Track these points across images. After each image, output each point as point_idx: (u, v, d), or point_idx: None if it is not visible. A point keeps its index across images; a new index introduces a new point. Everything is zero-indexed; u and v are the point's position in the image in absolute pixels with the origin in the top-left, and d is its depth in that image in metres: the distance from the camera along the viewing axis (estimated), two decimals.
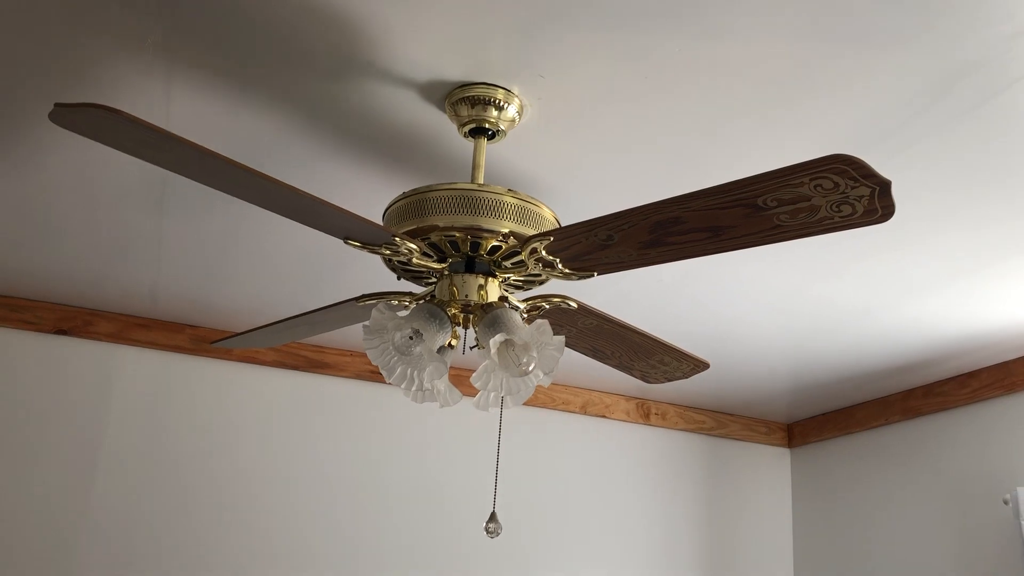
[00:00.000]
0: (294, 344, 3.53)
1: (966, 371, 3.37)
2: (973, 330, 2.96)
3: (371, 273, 2.76)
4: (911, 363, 3.32)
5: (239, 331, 3.41)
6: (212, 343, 2.37)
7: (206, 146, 1.44)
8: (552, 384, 3.85)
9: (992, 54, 1.66)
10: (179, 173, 1.52)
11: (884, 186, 1.31)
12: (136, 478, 3.24)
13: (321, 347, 3.56)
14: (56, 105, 1.33)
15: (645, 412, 4.00)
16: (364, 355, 3.59)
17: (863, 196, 1.32)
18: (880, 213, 1.36)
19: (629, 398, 3.98)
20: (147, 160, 1.48)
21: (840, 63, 1.71)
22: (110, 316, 3.33)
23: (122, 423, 3.28)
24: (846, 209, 1.36)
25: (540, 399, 3.82)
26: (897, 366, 3.36)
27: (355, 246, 1.67)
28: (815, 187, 1.33)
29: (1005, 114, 1.84)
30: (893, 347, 3.17)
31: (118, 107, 1.36)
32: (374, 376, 3.57)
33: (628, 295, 2.84)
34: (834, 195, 1.33)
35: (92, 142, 1.74)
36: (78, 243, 2.72)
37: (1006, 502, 3.03)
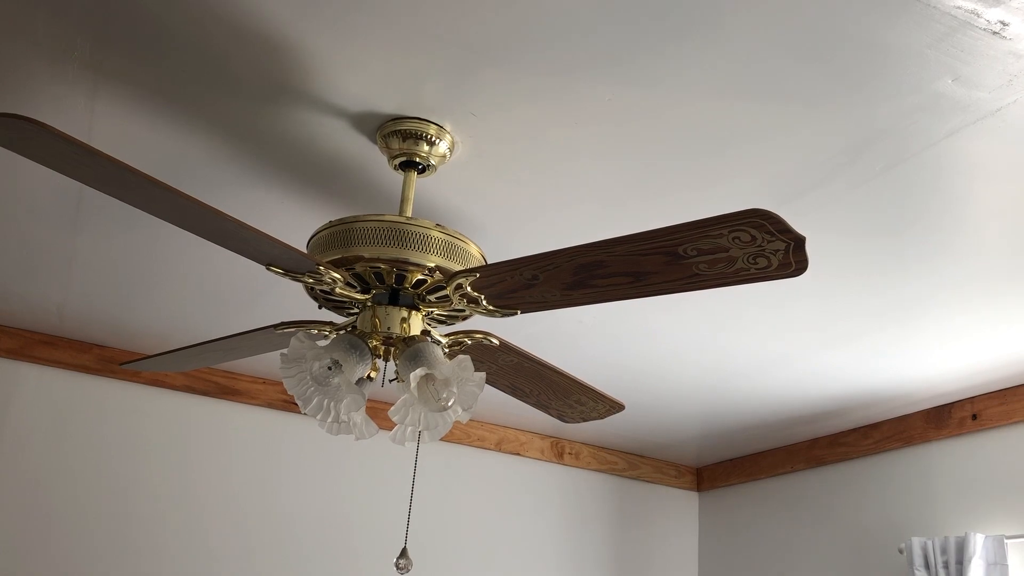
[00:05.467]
0: (205, 369, 3.44)
1: (869, 423, 3.49)
2: (876, 384, 3.08)
3: (289, 301, 2.73)
4: (817, 413, 3.42)
5: (149, 353, 3.32)
6: (122, 364, 2.30)
7: (129, 163, 1.41)
8: (468, 420, 3.84)
9: (901, 123, 1.75)
10: (100, 190, 1.49)
11: (799, 241, 1.36)
12: (31, 500, 3.10)
13: (233, 373, 3.49)
14: None
15: (559, 451, 4.02)
16: (277, 383, 3.52)
17: (778, 250, 1.37)
18: (794, 267, 1.41)
19: (544, 436, 4.00)
20: (67, 174, 1.44)
21: (763, 119, 1.78)
22: (12, 332, 3.20)
23: (20, 443, 3.14)
24: (762, 262, 1.41)
25: (455, 435, 3.80)
26: (803, 416, 3.46)
27: (278, 273, 1.65)
28: (733, 239, 1.37)
29: (910, 181, 1.93)
30: (800, 397, 3.26)
31: (37, 118, 1.32)
32: (287, 405, 3.51)
33: (548, 335, 2.87)
34: (751, 248, 1.38)
35: (2, 153, 1.68)
36: None
37: (901, 551, 3.13)
